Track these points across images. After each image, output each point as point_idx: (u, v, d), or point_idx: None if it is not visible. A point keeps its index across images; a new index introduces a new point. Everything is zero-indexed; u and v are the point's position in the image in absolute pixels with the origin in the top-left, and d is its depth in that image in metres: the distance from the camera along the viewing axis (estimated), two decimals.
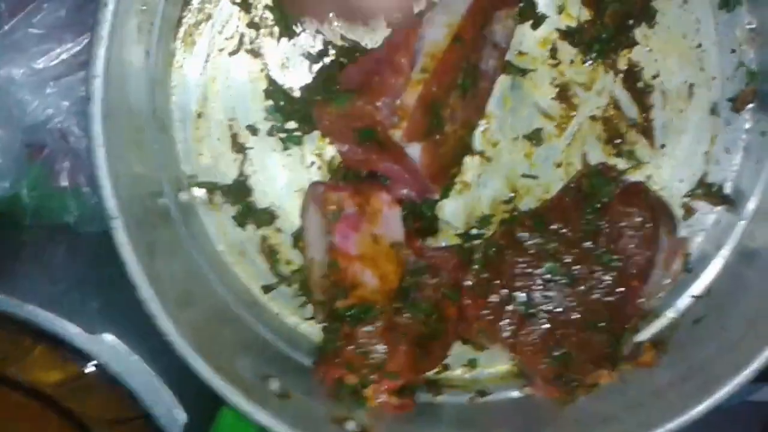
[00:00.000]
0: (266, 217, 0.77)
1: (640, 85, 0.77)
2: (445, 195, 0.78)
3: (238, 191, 0.76)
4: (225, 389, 0.65)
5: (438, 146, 0.71)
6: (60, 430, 0.66)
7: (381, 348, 0.72)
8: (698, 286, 0.80)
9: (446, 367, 0.80)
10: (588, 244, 0.74)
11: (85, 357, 0.66)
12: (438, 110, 0.69)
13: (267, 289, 0.78)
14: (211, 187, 0.75)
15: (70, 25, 0.70)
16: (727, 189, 0.79)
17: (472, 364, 0.80)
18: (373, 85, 0.68)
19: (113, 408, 0.68)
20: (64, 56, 0.69)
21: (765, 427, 1.07)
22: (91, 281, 0.72)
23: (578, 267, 0.74)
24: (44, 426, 0.67)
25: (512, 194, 0.78)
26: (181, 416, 0.67)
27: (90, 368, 0.66)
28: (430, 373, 0.78)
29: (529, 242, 0.75)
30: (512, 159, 0.78)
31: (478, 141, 0.77)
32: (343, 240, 0.71)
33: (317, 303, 0.76)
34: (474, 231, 0.78)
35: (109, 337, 0.65)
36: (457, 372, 0.80)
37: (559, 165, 0.78)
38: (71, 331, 0.65)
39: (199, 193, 0.76)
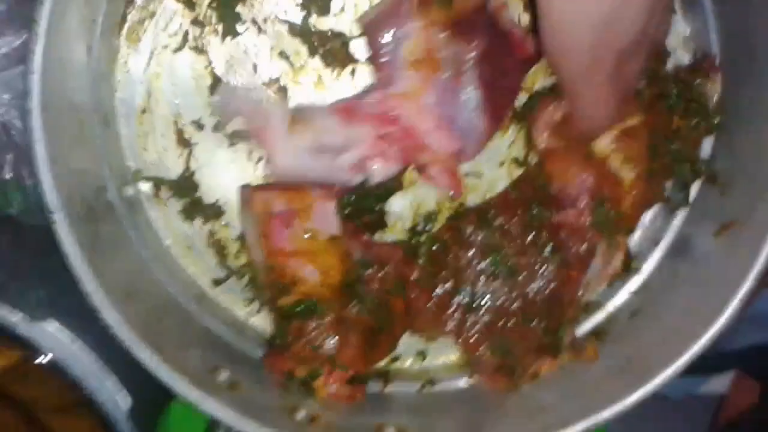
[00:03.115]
0: (213, 212, 0.77)
1: None
2: (392, 191, 0.79)
3: (184, 186, 0.76)
4: (172, 380, 0.66)
5: None
6: (5, 416, 0.66)
7: (331, 341, 0.73)
8: (635, 281, 0.82)
9: (396, 358, 0.81)
10: (531, 237, 0.76)
11: (27, 344, 0.66)
12: None
13: (216, 282, 0.79)
14: (157, 182, 0.76)
15: (11, 19, 0.70)
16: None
17: (421, 355, 0.82)
18: None
19: (57, 394, 0.68)
20: (4, 50, 0.69)
21: (713, 420, 1.10)
22: (35, 271, 0.72)
23: (520, 259, 0.76)
24: None
25: None
26: (125, 402, 0.67)
27: (33, 355, 0.66)
28: (380, 364, 0.80)
29: (473, 237, 0.77)
30: None
31: None
32: (277, 238, 0.72)
33: (266, 303, 0.78)
34: (420, 227, 0.80)
35: (52, 324, 0.66)
36: (408, 363, 0.82)
37: (502, 164, 0.80)
38: (13, 318, 0.65)
39: (145, 187, 0.76)
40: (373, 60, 0.75)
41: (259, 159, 0.77)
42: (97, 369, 0.67)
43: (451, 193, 0.78)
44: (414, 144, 0.74)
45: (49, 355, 0.66)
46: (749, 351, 1.01)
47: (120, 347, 0.65)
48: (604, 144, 0.74)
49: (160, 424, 0.78)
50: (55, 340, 0.66)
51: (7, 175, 0.74)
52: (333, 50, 0.76)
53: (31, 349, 0.66)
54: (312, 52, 0.76)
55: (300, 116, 0.73)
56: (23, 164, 0.74)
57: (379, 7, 0.75)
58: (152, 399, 0.75)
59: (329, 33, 0.75)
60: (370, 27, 0.74)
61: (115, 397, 0.67)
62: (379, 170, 0.75)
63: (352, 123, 0.73)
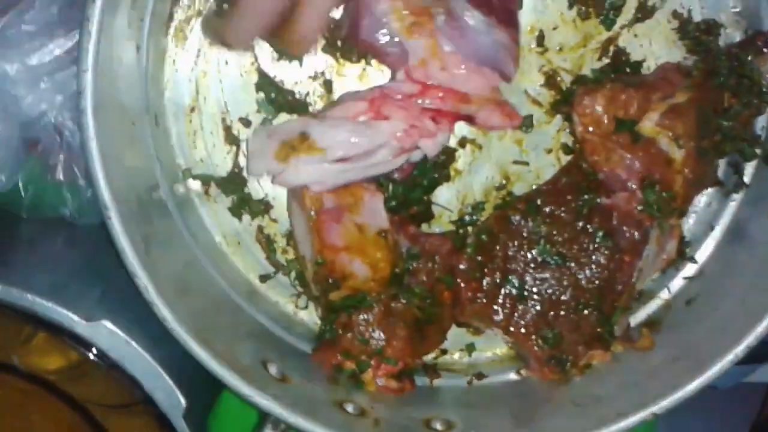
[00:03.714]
0: (261, 207, 0.78)
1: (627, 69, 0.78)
2: (438, 183, 0.79)
3: (233, 183, 0.77)
4: (224, 374, 0.67)
5: None
6: (63, 414, 0.68)
7: (379, 335, 0.73)
8: (690, 268, 0.81)
9: (444, 352, 0.81)
10: (581, 223, 0.75)
11: (85, 344, 0.67)
12: None
13: (264, 278, 0.79)
14: (206, 179, 0.77)
15: (62, 21, 0.71)
16: (719, 172, 0.80)
17: (469, 348, 0.81)
18: None
19: (114, 394, 0.69)
20: (57, 52, 0.71)
21: (762, 408, 1.07)
22: (89, 271, 0.74)
23: (570, 247, 0.75)
24: (49, 411, 0.69)
25: (504, 181, 0.80)
26: (181, 401, 0.68)
27: (90, 355, 0.68)
28: (428, 357, 0.80)
29: (522, 225, 0.76)
30: (503, 146, 0.79)
31: (468, 129, 0.79)
32: (327, 233, 0.72)
33: (314, 298, 0.78)
34: (467, 217, 0.80)
35: (108, 325, 0.67)
36: (456, 356, 0.82)
37: (549, 151, 0.79)
38: (71, 319, 0.67)
39: (195, 185, 0.77)
40: (376, 56, 0.74)
41: None
42: (153, 369, 0.69)
43: (511, 125, 0.76)
44: (455, 101, 0.73)
45: (107, 355, 0.68)
46: None
47: (173, 348, 0.66)
48: (650, 124, 0.73)
49: (213, 413, 0.79)
50: (111, 340, 0.68)
51: (60, 176, 0.75)
52: None
53: (89, 349, 0.68)
54: None
55: (306, 133, 0.72)
56: (76, 165, 0.75)
57: (345, 14, 0.74)
58: (205, 398, 0.77)
59: None
60: (351, 34, 0.73)
61: (171, 397, 0.69)
62: (431, 146, 0.73)
63: (379, 117, 0.72)
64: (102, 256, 0.69)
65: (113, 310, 0.69)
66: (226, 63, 0.76)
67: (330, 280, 0.73)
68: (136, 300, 0.65)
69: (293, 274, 0.79)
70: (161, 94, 0.75)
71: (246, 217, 0.78)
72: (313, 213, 0.72)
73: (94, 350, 0.68)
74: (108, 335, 0.67)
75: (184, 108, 0.76)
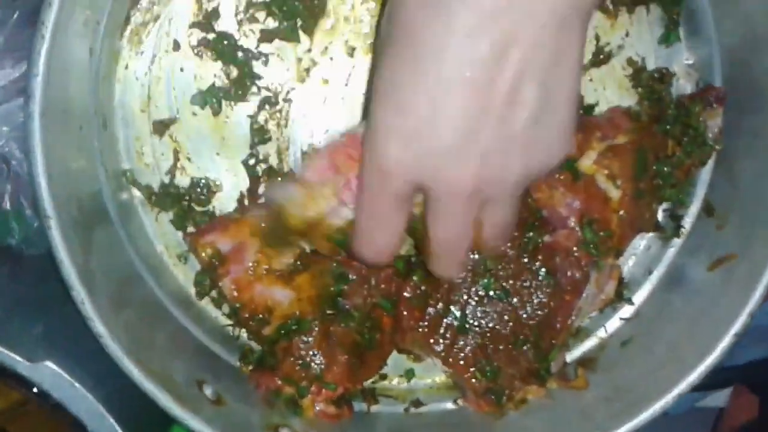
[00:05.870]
0: (206, 219, 0.76)
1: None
2: None
3: (173, 194, 0.75)
4: (157, 394, 0.65)
5: None
6: None
7: (320, 359, 0.72)
8: (628, 309, 0.83)
9: (384, 377, 0.81)
10: (526, 260, 0.76)
11: (27, 385, 0.66)
12: None
13: (200, 294, 0.76)
14: (150, 188, 0.75)
15: (8, 51, 0.69)
16: (660, 216, 0.82)
17: (408, 374, 0.81)
18: None
19: None
20: (2, 83, 0.69)
21: None
22: (33, 305, 0.72)
23: (514, 283, 0.76)
24: None
25: None
26: None
27: (32, 396, 0.66)
28: (366, 382, 0.79)
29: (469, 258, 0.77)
30: None
31: None
32: (233, 276, 0.71)
33: (250, 333, 0.76)
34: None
35: (50, 365, 0.66)
36: (394, 381, 0.82)
37: None
38: (12, 359, 0.65)
39: (139, 192, 0.75)
40: None
41: (256, 164, 0.76)
42: (96, 409, 0.67)
43: None
44: None
45: (50, 396, 0.66)
46: (749, 365, 1.01)
47: (117, 385, 0.65)
48: (588, 161, 0.74)
49: None
50: (53, 380, 0.66)
51: (7, 205, 0.73)
52: None
53: (31, 390, 0.66)
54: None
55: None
56: (23, 194, 0.73)
57: None
58: None
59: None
60: None
61: None
62: None
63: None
64: (46, 289, 0.68)
65: (55, 347, 0.68)
66: (182, 70, 0.74)
67: (257, 318, 0.72)
68: (79, 336, 0.63)
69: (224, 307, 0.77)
70: (111, 97, 0.72)
71: (190, 229, 0.76)
72: (211, 260, 0.70)
73: (36, 391, 0.66)
74: (51, 376, 0.66)
75: (134, 112, 0.73)
